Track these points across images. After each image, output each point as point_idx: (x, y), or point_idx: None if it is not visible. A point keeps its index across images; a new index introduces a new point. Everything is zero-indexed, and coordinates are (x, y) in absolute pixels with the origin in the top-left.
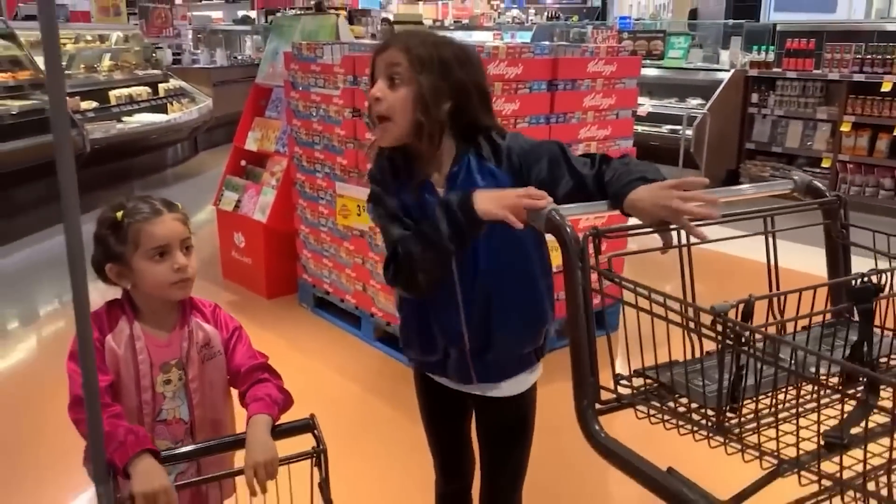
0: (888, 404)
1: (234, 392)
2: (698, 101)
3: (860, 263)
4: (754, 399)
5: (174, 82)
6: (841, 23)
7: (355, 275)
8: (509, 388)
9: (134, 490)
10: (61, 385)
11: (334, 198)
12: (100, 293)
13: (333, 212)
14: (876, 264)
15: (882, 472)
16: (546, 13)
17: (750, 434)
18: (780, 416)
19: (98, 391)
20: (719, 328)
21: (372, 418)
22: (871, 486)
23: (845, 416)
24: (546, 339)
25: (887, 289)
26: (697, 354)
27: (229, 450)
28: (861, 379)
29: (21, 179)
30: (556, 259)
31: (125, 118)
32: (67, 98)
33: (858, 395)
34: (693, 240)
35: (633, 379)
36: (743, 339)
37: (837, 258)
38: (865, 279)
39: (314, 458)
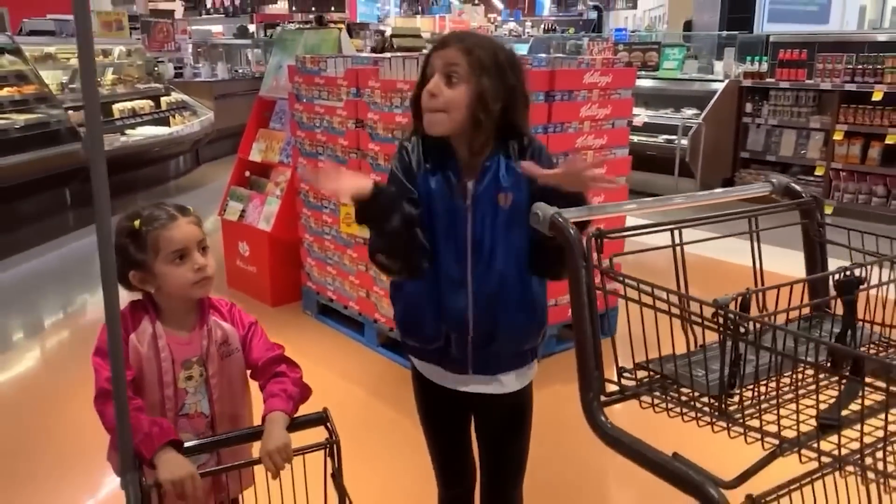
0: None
1: (253, 385)
2: (693, 111)
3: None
4: (753, 385)
5: (176, 96)
6: (832, 34)
7: (359, 282)
8: (506, 384)
9: (161, 478)
10: (64, 395)
11: (338, 206)
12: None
13: (337, 220)
14: (851, 260)
15: (879, 447)
16: (543, 26)
17: (750, 418)
18: (777, 399)
19: (125, 385)
20: (720, 320)
21: (376, 421)
22: (868, 460)
23: (828, 400)
24: (543, 340)
25: (867, 283)
26: (693, 348)
27: (246, 441)
28: (845, 365)
29: (25, 192)
30: None
31: (128, 131)
32: (71, 112)
33: (848, 377)
34: (686, 239)
35: (636, 371)
36: (742, 329)
37: (815, 255)
38: (848, 272)
39: (327, 449)
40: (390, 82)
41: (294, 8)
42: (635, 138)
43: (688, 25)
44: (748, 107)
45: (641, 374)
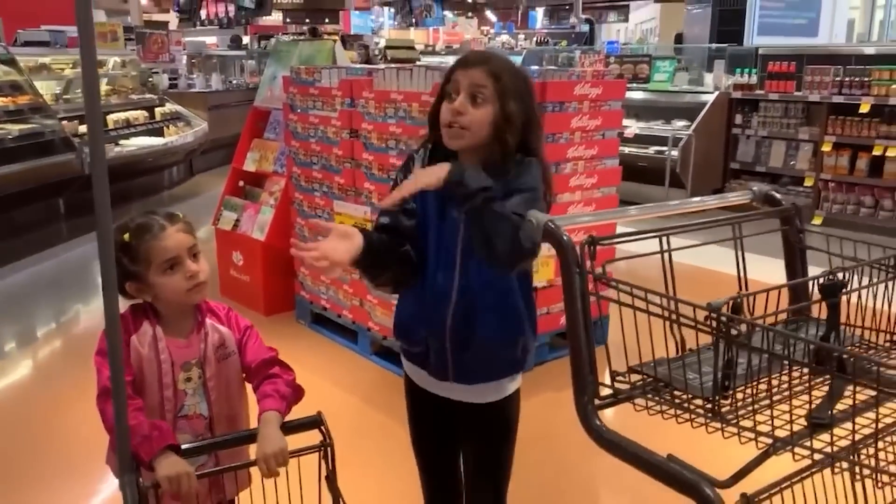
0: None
1: (249, 388)
2: (684, 122)
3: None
4: (745, 386)
5: (170, 106)
6: (820, 47)
7: (352, 290)
8: (485, 394)
9: (159, 475)
10: (57, 405)
11: (332, 215)
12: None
13: None
14: (830, 265)
15: (870, 442)
16: (535, 38)
17: (743, 419)
18: (769, 400)
19: (125, 389)
20: (714, 323)
21: (370, 429)
22: (859, 456)
23: (818, 400)
24: (526, 353)
25: (850, 286)
26: (683, 351)
27: (241, 444)
28: (833, 364)
29: (19, 202)
30: (544, 275)
31: (122, 141)
32: (65, 122)
33: (837, 376)
34: (674, 245)
35: (629, 375)
36: (735, 332)
37: (795, 260)
38: (832, 276)
39: (322, 452)
40: (384, 93)
41: (288, 20)
42: (626, 149)
43: (679, 38)
44: (738, 118)
45: (635, 377)
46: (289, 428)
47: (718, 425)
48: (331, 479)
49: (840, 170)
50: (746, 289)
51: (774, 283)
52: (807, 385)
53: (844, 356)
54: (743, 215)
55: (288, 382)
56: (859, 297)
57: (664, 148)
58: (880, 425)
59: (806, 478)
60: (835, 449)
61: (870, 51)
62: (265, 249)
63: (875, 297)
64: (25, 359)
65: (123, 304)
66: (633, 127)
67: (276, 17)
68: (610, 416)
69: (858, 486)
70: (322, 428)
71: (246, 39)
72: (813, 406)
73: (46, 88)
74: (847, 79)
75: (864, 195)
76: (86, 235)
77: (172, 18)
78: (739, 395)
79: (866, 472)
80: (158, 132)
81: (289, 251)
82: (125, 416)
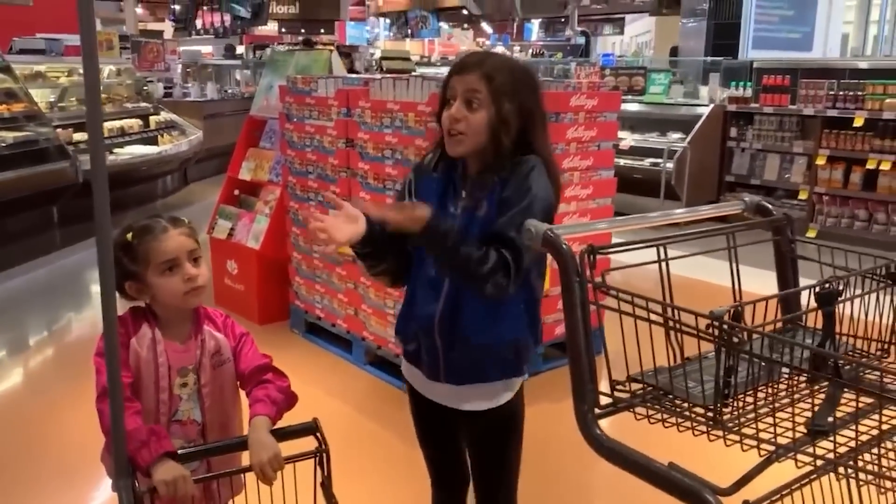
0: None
1: (243, 395)
2: (679, 135)
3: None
4: (745, 394)
5: (165, 115)
6: (815, 61)
7: (347, 300)
8: (482, 401)
9: (156, 479)
10: (49, 412)
11: None
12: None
13: None
14: (821, 275)
15: (872, 446)
16: (531, 50)
17: (744, 426)
18: (770, 407)
19: (122, 394)
20: (715, 331)
21: (364, 438)
22: (860, 462)
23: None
24: (521, 357)
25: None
26: (681, 360)
27: (232, 451)
28: (829, 371)
29: (12, 210)
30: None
31: (116, 150)
32: (60, 130)
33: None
34: (671, 255)
35: (629, 384)
36: (736, 340)
37: (787, 270)
38: (827, 285)
39: (317, 458)
40: (380, 102)
41: (283, 30)
42: (621, 161)
43: (674, 51)
44: (733, 131)
45: (635, 386)
46: (284, 434)
47: (720, 433)
48: (326, 485)
49: (834, 183)
50: (741, 297)
51: (771, 293)
52: (807, 392)
53: (841, 363)
54: (736, 225)
55: (280, 388)
56: (852, 305)
57: (659, 160)
58: (883, 427)
59: (806, 484)
60: (836, 455)
61: (864, 65)
62: (260, 258)
63: (867, 306)
64: (18, 366)
65: (122, 307)
66: (628, 139)
67: (271, 27)
68: (608, 427)
69: (858, 491)
70: (318, 434)
71: (241, 49)
72: (810, 413)
73: (41, 96)
74: (841, 93)
75: (858, 209)
76: (80, 243)
77: (168, 27)
78: (740, 403)
79: (868, 477)
80: (153, 141)
81: (284, 260)
82: (122, 420)
